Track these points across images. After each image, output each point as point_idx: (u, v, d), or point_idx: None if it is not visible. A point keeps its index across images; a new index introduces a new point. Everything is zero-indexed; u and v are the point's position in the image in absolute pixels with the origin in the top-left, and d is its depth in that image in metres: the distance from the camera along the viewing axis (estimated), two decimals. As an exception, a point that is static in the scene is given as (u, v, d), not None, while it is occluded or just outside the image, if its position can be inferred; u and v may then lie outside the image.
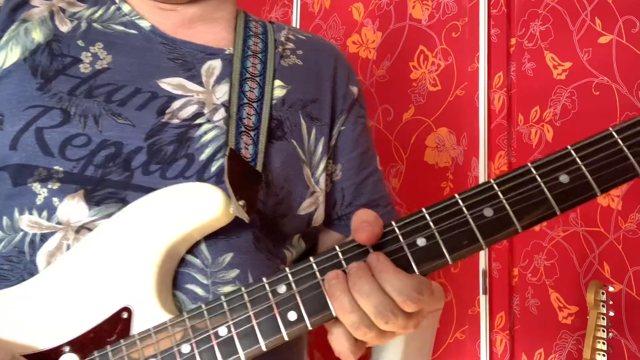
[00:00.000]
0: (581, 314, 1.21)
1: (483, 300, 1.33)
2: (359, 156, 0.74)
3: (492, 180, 0.44)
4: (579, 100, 1.29)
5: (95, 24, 0.65)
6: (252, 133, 0.62)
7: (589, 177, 0.42)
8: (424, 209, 0.45)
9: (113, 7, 0.66)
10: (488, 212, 0.42)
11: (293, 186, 0.66)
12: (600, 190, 0.42)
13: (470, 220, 0.43)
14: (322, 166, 0.69)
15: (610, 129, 0.43)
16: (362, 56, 1.61)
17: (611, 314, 0.99)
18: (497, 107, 1.36)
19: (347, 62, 0.78)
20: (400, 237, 0.45)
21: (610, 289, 1.00)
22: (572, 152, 0.43)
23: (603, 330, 0.98)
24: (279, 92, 0.67)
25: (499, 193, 0.43)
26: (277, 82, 0.68)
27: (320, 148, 0.70)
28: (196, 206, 0.53)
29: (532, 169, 0.44)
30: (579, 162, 0.42)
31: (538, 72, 1.35)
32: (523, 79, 1.37)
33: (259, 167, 0.60)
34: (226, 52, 0.67)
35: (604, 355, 0.97)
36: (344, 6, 1.68)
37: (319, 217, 0.70)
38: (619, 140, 0.42)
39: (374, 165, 0.77)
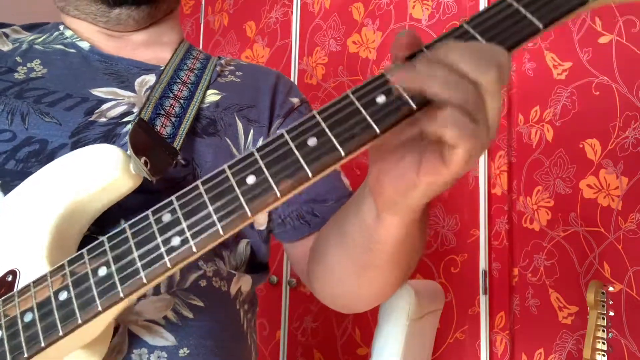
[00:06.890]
0: (581, 314, 1.21)
1: (483, 300, 1.33)
2: None
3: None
4: (579, 100, 1.29)
5: (36, 45, 0.66)
6: (173, 119, 0.61)
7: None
8: (255, 152, 0.40)
9: (57, 33, 0.68)
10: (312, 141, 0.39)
11: None
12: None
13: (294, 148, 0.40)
14: None
15: None
16: (362, 56, 1.61)
17: (611, 314, 0.99)
18: (497, 107, 1.36)
19: (291, 81, 0.79)
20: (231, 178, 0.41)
21: (610, 289, 1.00)
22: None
23: (603, 330, 0.98)
24: (212, 98, 0.67)
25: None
26: (211, 91, 0.68)
27: None
28: (95, 167, 0.51)
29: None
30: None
31: (538, 72, 1.35)
32: (523, 79, 1.37)
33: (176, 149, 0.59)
34: (161, 69, 0.67)
35: (604, 355, 0.97)
36: (344, 6, 1.68)
37: (260, 218, 0.69)
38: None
39: None
